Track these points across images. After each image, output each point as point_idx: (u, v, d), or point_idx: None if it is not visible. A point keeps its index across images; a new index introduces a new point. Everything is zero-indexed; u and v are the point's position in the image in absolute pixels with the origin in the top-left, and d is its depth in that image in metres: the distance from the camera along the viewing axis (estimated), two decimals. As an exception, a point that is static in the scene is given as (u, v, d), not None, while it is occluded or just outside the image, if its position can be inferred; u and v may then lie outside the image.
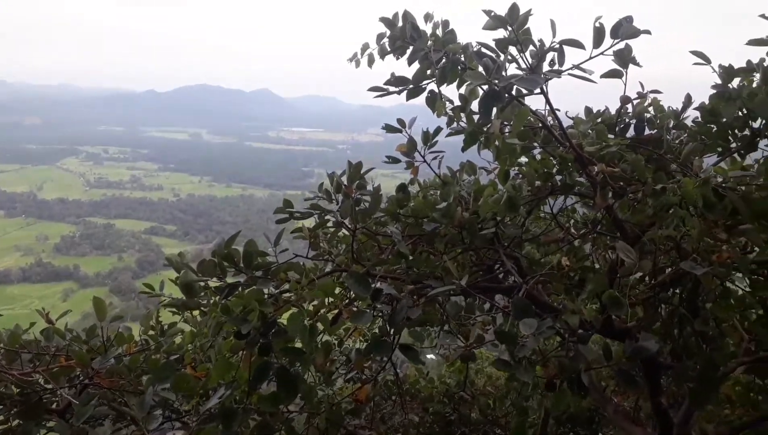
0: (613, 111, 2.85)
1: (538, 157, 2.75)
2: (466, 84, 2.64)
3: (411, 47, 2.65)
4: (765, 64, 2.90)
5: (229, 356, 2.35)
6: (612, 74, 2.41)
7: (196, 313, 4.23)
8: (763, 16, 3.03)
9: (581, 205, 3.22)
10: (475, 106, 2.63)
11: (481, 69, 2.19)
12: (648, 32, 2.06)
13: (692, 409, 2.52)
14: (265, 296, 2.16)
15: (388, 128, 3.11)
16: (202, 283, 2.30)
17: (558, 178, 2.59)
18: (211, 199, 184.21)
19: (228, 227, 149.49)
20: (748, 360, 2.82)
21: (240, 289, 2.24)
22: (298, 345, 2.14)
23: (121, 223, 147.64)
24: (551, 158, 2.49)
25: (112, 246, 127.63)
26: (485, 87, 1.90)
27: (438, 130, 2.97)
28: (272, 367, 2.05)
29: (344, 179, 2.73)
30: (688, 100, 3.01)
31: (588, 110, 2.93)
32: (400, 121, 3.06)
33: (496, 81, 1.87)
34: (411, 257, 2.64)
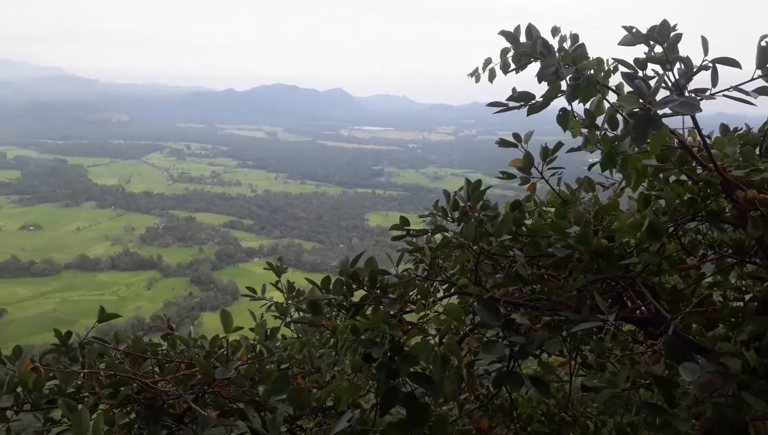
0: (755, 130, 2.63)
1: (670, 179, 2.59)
2: (591, 99, 2.52)
3: (534, 62, 2.56)
4: None
5: (351, 375, 2.35)
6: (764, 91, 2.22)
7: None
8: None
9: (709, 228, 3.00)
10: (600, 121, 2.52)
11: (624, 88, 2.07)
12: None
13: None
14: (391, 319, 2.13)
15: (503, 143, 3.03)
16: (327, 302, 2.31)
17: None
18: (286, 195, 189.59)
19: (302, 223, 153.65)
20: None
21: (365, 309, 2.23)
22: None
23: (202, 217, 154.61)
24: (693, 182, 2.33)
25: (193, 238, 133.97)
26: (638, 111, 1.78)
27: (559, 145, 2.86)
28: (400, 392, 2.02)
29: (460, 196, 2.67)
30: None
31: (724, 128, 2.72)
32: (516, 136, 2.97)
33: (651, 105, 1.75)
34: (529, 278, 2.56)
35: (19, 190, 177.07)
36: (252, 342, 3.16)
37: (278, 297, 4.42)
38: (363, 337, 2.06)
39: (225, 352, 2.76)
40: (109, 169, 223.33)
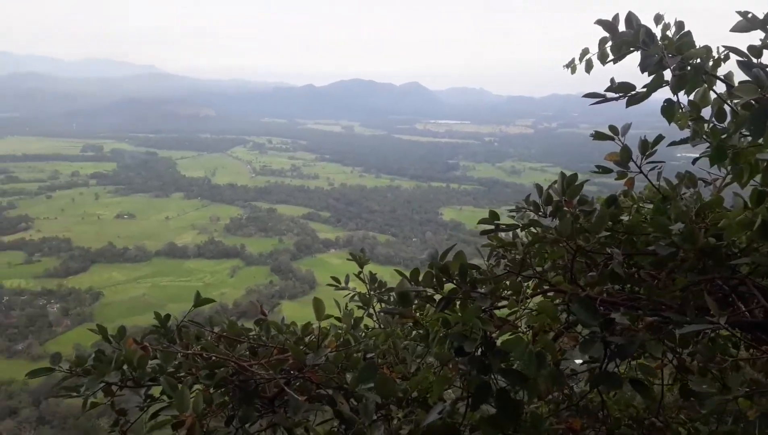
0: None
1: None
2: (696, 90, 2.39)
3: (635, 51, 2.46)
4: None
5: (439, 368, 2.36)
6: None
7: (378, 307, 4.37)
8: None
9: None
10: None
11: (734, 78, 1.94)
12: None
13: None
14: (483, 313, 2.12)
15: (599, 136, 2.92)
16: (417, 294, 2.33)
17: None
18: (361, 188, 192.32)
19: (376, 216, 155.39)
20: None
21: (456, 302, 2.23)
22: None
23: (282, 209, 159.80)
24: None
25: (274, 229, 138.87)
26: (755, 101, 1.67)
27: (659, 138, 2.73)
28: (492, 388, 2.01)
29: (554, 190, 2.61)
30: None
31: None
32: (613, 128, 2.86)
33: (773, 94, 1.62)
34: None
35: (115, 181, 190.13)
36: (339, 331, 3.24)
37: (360, 287, 4.49)
38: (453, 331, 2.06)
39: (316, 339, 2.84)
40: (196, 161, 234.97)
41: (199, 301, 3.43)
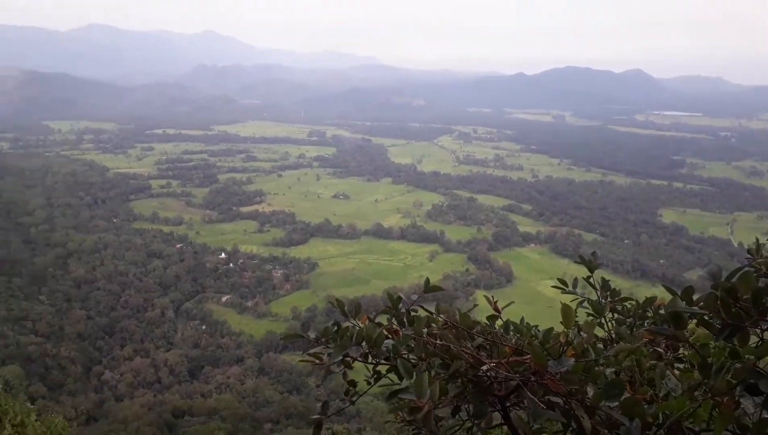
0: None
1: None
2: None
3: None
4: None
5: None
6: None
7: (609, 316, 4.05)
8: None
9: None
10: None
11: None
12: None
13: None
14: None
15: None
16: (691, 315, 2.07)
17: None
18: (568, 182, 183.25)
19: (583, 212, 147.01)
20: None
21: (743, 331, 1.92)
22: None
23: (482, 198, 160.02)
24: None
25: (473, 218, 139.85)
26: None
27: None
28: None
29: None
30: None
31: None
32: None
33: None
34: None
35: (334, 164, 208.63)
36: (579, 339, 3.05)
37: (579, 289, 4.21)
38: (744, 365, 1.78)
39: (558, 346, 2.71)
40: (404, 149, 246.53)
41: (429, 287, 3.50)
